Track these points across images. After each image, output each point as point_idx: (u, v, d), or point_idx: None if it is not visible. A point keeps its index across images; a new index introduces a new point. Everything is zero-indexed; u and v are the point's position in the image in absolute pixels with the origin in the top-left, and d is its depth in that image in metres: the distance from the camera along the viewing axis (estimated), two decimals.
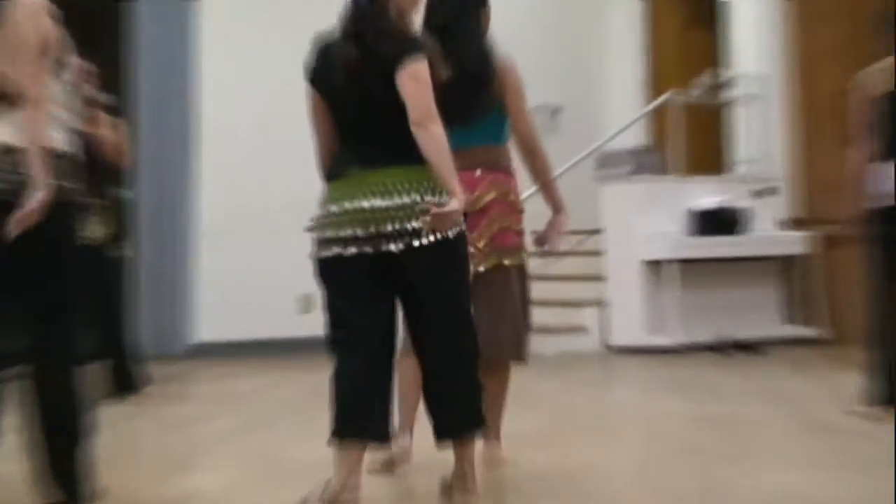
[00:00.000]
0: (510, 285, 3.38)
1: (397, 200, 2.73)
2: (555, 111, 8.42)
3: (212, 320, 7.23)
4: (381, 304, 2.79)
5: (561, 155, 7.15)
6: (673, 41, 8.87)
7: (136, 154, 6.59)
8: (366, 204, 2.72)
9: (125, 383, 5.49)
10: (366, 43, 2.71)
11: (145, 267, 7.05)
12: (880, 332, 4.47)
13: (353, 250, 2.72)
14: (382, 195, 2.72)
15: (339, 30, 2.82)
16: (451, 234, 2.70)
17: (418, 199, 2.68)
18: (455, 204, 2.60)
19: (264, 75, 6.82)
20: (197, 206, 7.28)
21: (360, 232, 2.71)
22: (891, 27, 4.37)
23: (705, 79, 7.86)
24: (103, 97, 5.42)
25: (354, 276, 2.77)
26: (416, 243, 2.69)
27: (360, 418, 2.74)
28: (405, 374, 3.32)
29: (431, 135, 2.60)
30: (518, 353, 3.48)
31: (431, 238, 2.69)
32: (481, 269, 3.31)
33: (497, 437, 3.59)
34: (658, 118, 8.11)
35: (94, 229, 5.31)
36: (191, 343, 7.25)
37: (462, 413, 2.88)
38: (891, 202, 4.35)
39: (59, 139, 2.84)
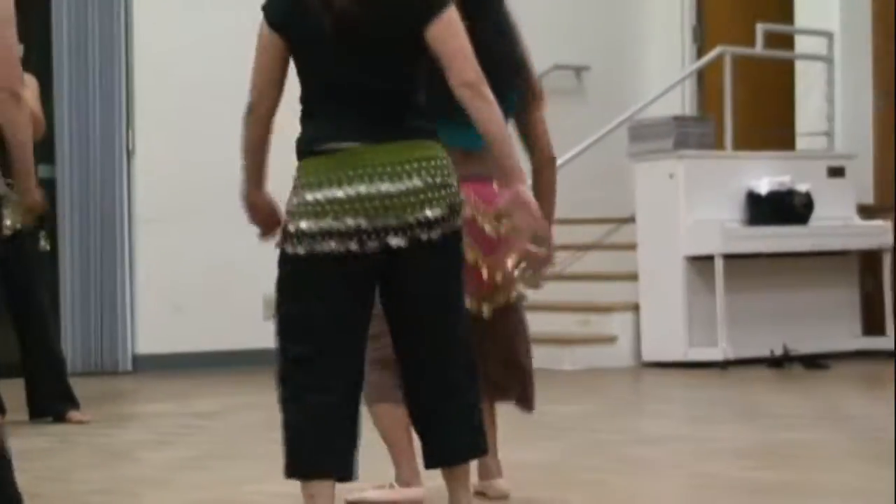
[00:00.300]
0: (522, 320, 3.50)
1: (407, 184, 2.68)
2: (579, 71, 8.17)
3: (156, 328, 6.99)
4: (364, 313, 2.75)
5: (586, 125, 7.26)
6: None
7: (54, 122, 6.47)
8: (371, 189, 2.68)
9: (48, 406, 5.33)
10: None
11: (70, 262, 6.84)
12: None
13: (353, 246, 2.63)
14: (390, 177, 2.67)
15: None
16: (459, 224, 2.73)
17: (430, 181, 2.67)
18: (528, 193, 2.67)
19: (210, 18, 6.72)
20: (133, 186, 6.98)
21: (364, 223, 2.64)
22: None
23: (766, 30, 7.37)
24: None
25: (344, 279, 2.70)
26: (423, 237, 2.65)
27: (326, 453, 2.71)
28: (387, 418, 3.39)
29: (490, 102, 2.53)
30: (529, 400, 3.52)
31: (439, 231, 2.69)
32: (490, 306, 3.37)
33: (498, 468, 3.57)
34: (707, 80, 8.01)
35: (8, 216, 4.40)
36: (131, 355, 7.04)
37: (463, 435, 2.83)
38: None
39: None
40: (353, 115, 2.70)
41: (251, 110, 2.72)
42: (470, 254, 3.18)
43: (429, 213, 2.62)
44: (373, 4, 2.61)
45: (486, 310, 3.34)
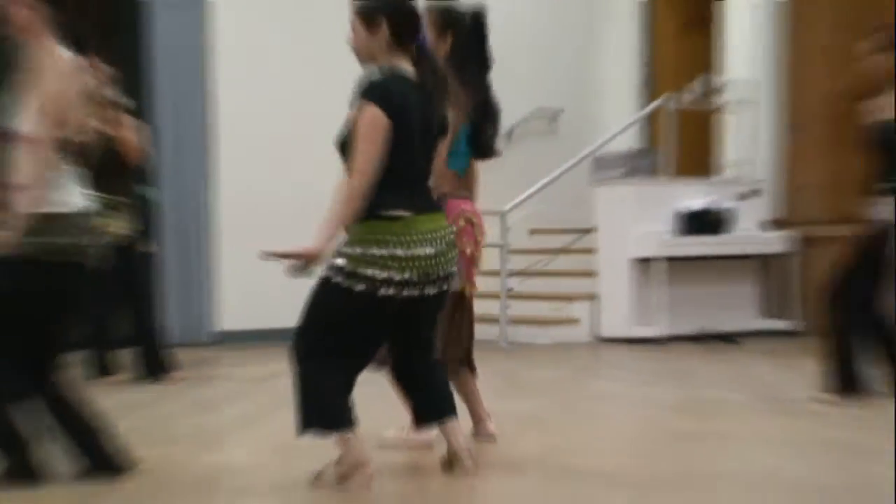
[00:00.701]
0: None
1: (439, 248, 3.11)
2: (554, 115, 8.98)
3: (234, 310, 7.74)
4: (386, 335, 3.26)
5: (559, 157, 8.19)
6: (670, 45, 9.22)
7: (156, 155, 7.00)
8: (421, 252, 3.07)
9: (155, 367, 5.97)
10: (432, 95, 3.14)
11: (170, 260, 7.60)
12: (855, 333, 4.96)
13: (405, 293, 3.06)
14: (431, 243, 3.09)
15: (412, 74, 3.17)
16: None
17: (446, 246, 3.12)
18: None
19: (276, 78, 7.39)
20: (216, 203, 7.81)
21: (414, 277, 3.06)
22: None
23: (699, 83, 8.27)
24: (124, 100, 5.80)
25: (389, 314, 3.13)
26: (445, 287, 3.16)
27: (350, 413, 3.19)
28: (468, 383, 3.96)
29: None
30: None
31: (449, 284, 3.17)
32: (472, 289, 3.90)
33: (487, 416, 4.05)
34: (653, 122, 8.63)
35: (121, 226, 5.72)
36: (215, 331, 7.79)
37: (448, 399, 3.40)
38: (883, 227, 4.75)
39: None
40: (413, 188, 3.17)
41: (363, 194, 3.04)
42: (468, 247, 3.85)
43: (451, 269, 3.17)
44: (435, 111, 3.17)
45: (468, 291, 3.96)
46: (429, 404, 3.44)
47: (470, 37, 3.85)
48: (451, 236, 3.24)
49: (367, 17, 3.17)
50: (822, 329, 5.23)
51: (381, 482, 3.42)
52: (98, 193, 4.89)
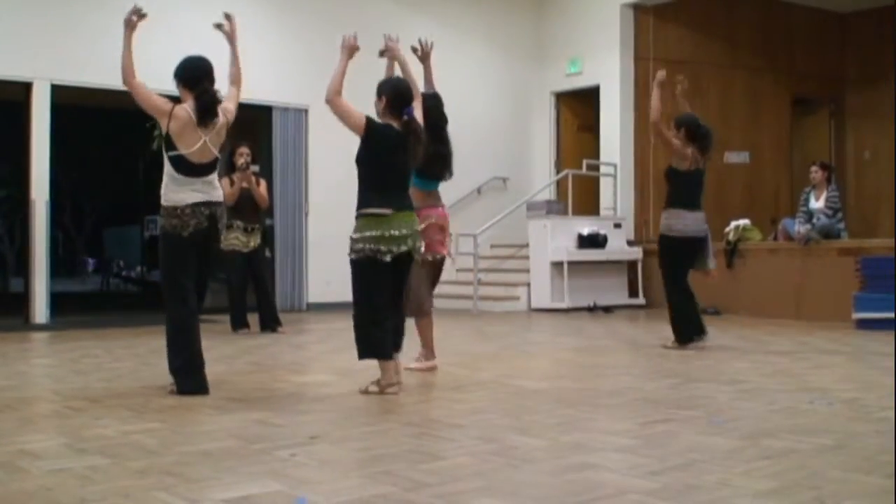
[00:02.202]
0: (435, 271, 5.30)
1: (409, 231, 4.43)
2: (504, 179, 12.51)
3: (317, 290, 10.76)
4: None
5: (508, 204, 11.37)
6: (571, 139, 12.70)
7: (273, 199, 9.61)
8: (396, 232, 4.37)
9: (271, 324, 8.01)
10: (407, 139, 4.44)
11: (281, 261, 10.64)
12: (676, 301, 6.54)
13: (387, 257, 4.35)
14: (403, 227, 4.40)
15: (396, 125, 4.39)
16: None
17: (413, 231, 4.43)
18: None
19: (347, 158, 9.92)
20: (308, 229, 10.90)
21: (392, 248, 4.36)
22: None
23: (587, 162, 11.72)
24: (255, 167, 8.20)
25: (387, 272, 4.37)
26: (411, 253, 4.46)
27: (389, 346, 4.52)
28: (429, 324, 5.27)
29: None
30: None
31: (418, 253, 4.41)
32: (429, 258, 5.17)
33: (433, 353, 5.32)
34: (562, 183, 11.85)
35: (252, 240, 7.96)
36: (306, 303, 10.77)
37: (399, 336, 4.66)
38: (680, 235, 6.40)
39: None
40: (400, 194, 4.36)
41: (333, 90, 4.33)
42: (438, 235, 5.18)
43: (416, 244, 4.41)
44: (411, 147, 4.29)
45: (431, 258, 5.16)
46: (398, 339, 4.60)
47: (429, 113, 4.97)
48: (415, 224, 4.47)
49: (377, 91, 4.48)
50: (661, 302, 6.96)
51: (403, 395, 4.45)
52: (242, 222, 7.83)
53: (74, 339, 7.83)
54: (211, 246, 4.76)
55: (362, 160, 4.53)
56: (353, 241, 4.46)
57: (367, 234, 4.37)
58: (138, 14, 4.71)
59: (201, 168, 4.68)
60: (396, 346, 4.73)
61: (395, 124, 4.50)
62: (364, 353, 4.48)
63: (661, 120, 6.47)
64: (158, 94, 4.75)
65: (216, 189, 4.74)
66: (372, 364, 4.72)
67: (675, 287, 6.52)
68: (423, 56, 5.42)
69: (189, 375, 4.60)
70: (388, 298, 4.47)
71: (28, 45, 9.38)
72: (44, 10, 9.46)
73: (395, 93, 4.56)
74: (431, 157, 5.00)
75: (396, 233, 4.36)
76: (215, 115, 4.67)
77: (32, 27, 9.43)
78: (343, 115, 4.48)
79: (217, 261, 7.67)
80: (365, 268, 4.40)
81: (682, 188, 6.50)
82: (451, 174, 5.38)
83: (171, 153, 4.65)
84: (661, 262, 6.64)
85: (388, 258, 4.39)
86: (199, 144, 4.63)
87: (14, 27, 9.34)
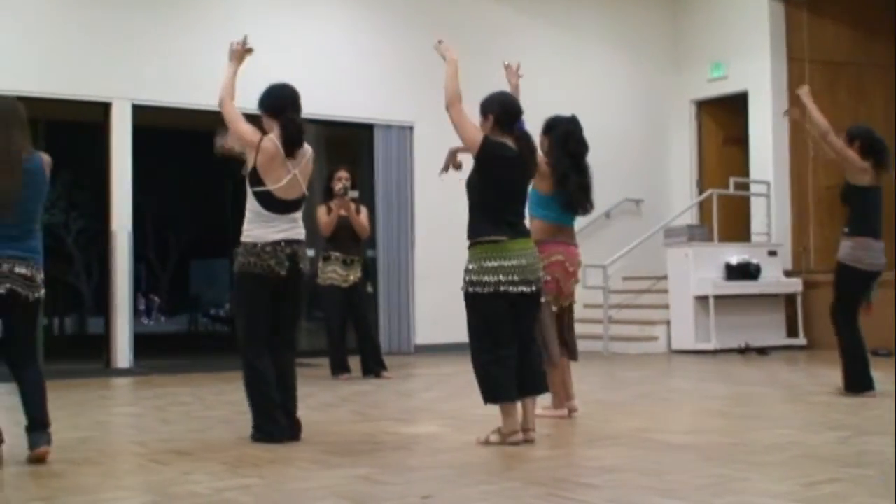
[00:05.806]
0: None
1: (529, 260, 4.50)
2: (638, 201, 12.48)
3: (426, 330, 10.71)
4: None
5: (642, 230, 11.48)
6: (715, 154, 12.56)
7: (375, 228, 9.40)
8: (516, 263, 4.46)
9: (375, 368, 7.97)
10: (528, 160, 4.60)
11: (384, 296, 10.70)
12: (849, 341, 6.38)
13: (511, 289, 4.41)
14: (522, 257, 4.47)
15: (513, 144, 4.48)
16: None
17: (534, 259, 4.50)
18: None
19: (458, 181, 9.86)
20: (415, 259, 10.90)
21: (517, 278, 4.44)
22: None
23: (735, 180, 11.60)
24: (355, 192, 8.03)
25: (509, 308, 4.43)
26: (535, 288, 4.53)
27: (512, 388, 4.56)
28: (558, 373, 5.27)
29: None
30: (573, 352, 5.53)
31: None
32: (564, 304, 5.38)
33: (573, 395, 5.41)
34: (705, 205, 11.73)
35: (352, 274, 7.92)
36: (414, 344, 10.74)
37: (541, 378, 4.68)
38: (869, 269, 6.27)
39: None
40: (515, 219, 4.45)
41: (452, 96, 4.48)
42: (560, 275, 5.24)
43: (538, 275, 4.50)
44: (530, 168, 4.46)
45: (556, 307, 5.32)
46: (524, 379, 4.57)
47: (563, 136, 5.28)
48: (536, 253, 4.60)
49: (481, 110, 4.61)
50: (825, 343, 6.83)
51: (525, 446, 4.50)
52: (341, 254, 7.82)
53: (160, 385, 8.03)
54: (295, 289, 4.88)
55: (474, 183, 4.65)
56: (468, 272, 4.57)
57: (485, 265, 4.47)
58: (244, 45, 4.97)
59: (290, 204, 4.86)
60: (535, 388, 4.76)
61: (508, 142, 4.63)
62: (486, 396, 4.58)
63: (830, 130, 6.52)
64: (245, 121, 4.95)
65: (300, 227, 4.92)
66: (491, 414, 4.79)
67: (848, 326, 6.48)
68: (510, 75, 5.52)
69: (266, 422, 4.82)
70: (510, 333, 4.55)
71: (107, 64, 9.68)
72: (121, 28, 9.78)
73: (502, 109, 4.68)
74: (570, 186, 5.19)
75: (516, 263, 4.47)
76: (300, 144, 4.87)
77: (110, 45, 9.74)
78: (460, 126, 4.60)
79: (311, 299, 8.13)
80: (483, 301, 4.50)
81: (869, 210, 6.48)
82: (592, 206, 5.51)
83: (257, 188, 4.83)
84: (838, 297, 6.55)
85: (510, 289, 4.49)
86: (289, 178, 4.82)
87: (91, 46, 9.66)
